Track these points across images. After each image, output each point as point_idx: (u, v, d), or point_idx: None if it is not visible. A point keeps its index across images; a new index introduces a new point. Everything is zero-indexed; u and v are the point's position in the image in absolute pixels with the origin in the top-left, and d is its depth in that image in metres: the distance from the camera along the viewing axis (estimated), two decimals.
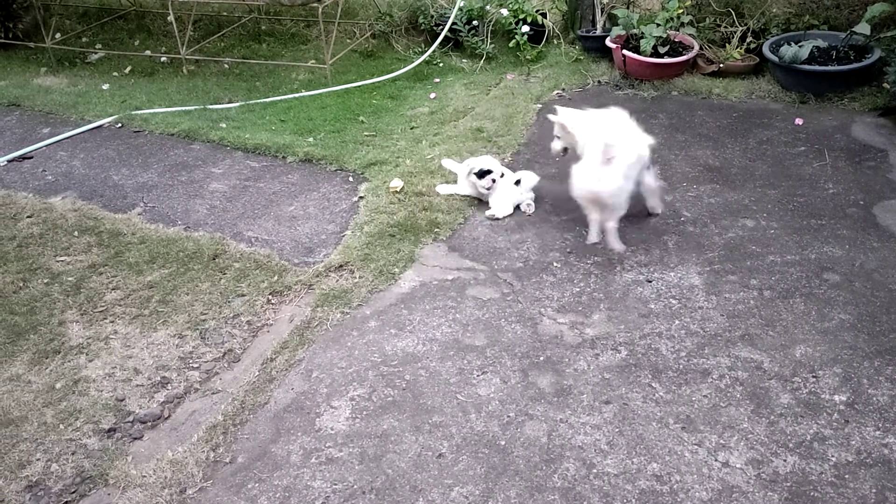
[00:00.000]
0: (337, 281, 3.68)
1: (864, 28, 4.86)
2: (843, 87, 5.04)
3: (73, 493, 2.70)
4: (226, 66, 6.76)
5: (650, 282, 3.53)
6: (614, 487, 2.57)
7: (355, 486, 2.64)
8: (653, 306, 3.38)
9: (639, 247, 3.77)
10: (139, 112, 5.70)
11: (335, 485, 2.65)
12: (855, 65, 4.94)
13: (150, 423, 2.99)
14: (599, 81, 5.71)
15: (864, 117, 4.82)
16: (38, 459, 2.84)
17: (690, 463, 2.64)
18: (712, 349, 3.12)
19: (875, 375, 2.92)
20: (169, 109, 5.74)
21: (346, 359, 3.21)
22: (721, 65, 5.47)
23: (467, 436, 2.81)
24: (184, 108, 5.75)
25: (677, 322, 3.28)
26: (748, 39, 5.52)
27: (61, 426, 2.98)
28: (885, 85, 4.78)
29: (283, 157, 4.93)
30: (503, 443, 2.77)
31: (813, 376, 2.95)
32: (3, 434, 2.95)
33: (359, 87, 6.05)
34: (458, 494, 2.59)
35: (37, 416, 3.03)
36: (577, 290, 3.52)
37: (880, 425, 2.72)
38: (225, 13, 7.66)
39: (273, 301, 3.62)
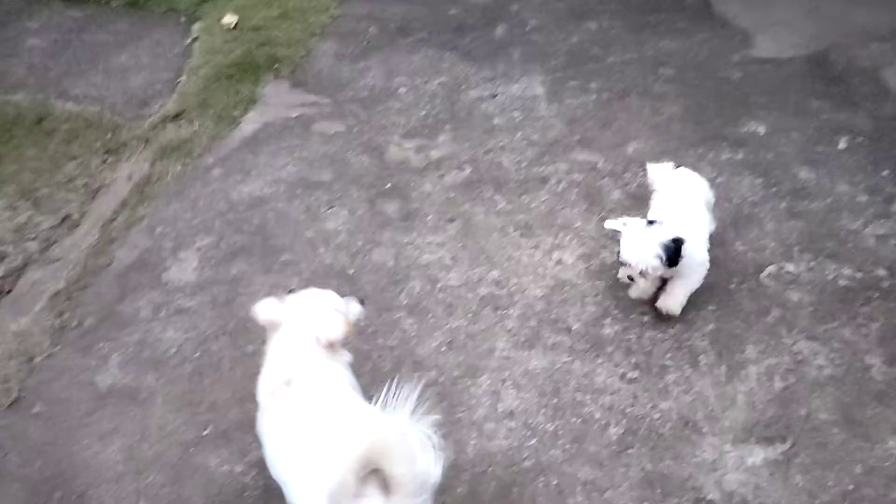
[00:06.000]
0: (175, 132, 3.50)
1: None
2: None
3: None
4: None
5: (495, 97, 3.52)
6: (457, 298, 2.70)
7: (208, 332, 2.67)
8: (497, 121, 3.40)
9: (484, 62, 3.71)
10: None
11: (188, 333, 2.68)
12: None
13: None
14: None
15: None
16: None
17: (528, 265, 2.79)
18: (551, 156, 3.20)
19: (698, 161, 3.08)
20: None
21: (191, 210, 3.14)
22: None
23: (317, 270, 2.85)
24: None
25: (519, 134, 3.32)
26: None
27: None
28: None
29: (107, 2, 4.48)
30: (352, 272, 2.83)
31: (642, 170, 3.07)
32: None
33: None
34: None
35: None
36: (423, 113, 3.48)
37: None
38: None
39: (109, 160, 3.43)
